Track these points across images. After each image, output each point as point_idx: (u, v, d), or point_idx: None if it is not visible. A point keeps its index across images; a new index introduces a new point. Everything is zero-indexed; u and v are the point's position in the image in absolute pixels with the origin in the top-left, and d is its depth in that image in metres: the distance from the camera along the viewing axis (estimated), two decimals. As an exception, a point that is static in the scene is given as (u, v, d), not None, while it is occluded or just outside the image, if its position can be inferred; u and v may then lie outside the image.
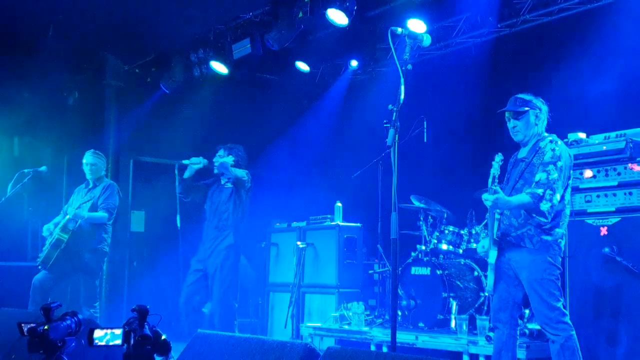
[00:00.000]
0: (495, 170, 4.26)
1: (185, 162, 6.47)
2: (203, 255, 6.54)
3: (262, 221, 9.17)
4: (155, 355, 2.47)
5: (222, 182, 6.65)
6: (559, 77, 6.91)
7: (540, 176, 4.28)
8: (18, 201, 7.67)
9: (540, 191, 4.22)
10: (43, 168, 6.97)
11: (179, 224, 7.31)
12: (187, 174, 6.52)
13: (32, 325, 2.80)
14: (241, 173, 6.50)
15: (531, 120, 4.45)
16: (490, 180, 4.23)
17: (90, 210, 6.67)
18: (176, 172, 6.52)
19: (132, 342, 2.48)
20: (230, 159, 6.47)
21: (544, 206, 4.22)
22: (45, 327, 2.74)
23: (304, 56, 8.87)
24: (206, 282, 6.49)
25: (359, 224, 7.89)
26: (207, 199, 6.73)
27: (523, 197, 4.25)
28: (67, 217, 6.56)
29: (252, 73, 9.24)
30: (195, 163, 6.47)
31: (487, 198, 4.19)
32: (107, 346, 2.56)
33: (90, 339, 2.56)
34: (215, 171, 6.55)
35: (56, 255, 6.52)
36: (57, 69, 8.67)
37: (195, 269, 6.56)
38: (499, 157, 4.36)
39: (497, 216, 4.41)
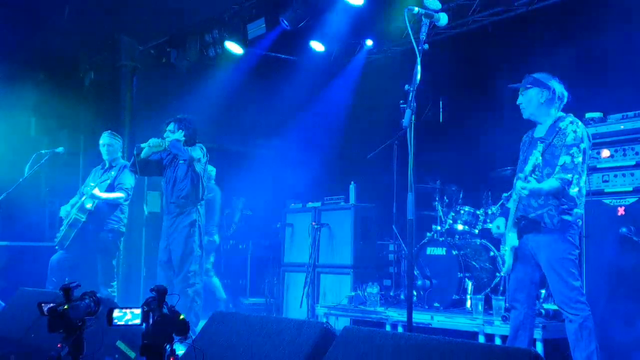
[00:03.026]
0: (537, 159, 4.22)
1: (143, 145, 6.24)
2: (166, 233, 6.39)
3: (277, 202, 9.21)
4: (174, 334, 2.49)
5: (178, 158, 6.40)
6: (577, 55, 6.82)
7: (564, 159, 4.26)
8: (35, 182, 7.75)
9: (569, 176, 4.21)
10: (60, 149, 7.02)
11: (145, 212, 7.34)
12: (143, 154, 6.27)
13: (52, 305, 2.84)
14: (196, 153, 6.25)
15: (533, 97, 4.45)
16: (529, 168, 4.19)
17: (107, 190, 6.73)
18: (134, 152, 6.30)
19: (151, 321, 2.51)
20: (180, 135, 6.24)
21: (573, 191, 4.22)
22: (65, 307, 2.78)
23: (319, 36, 8.82)
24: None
25: (373, 204, 7.88)
26: (163, 175, 6.52)
27: (553, 183, 4.23)
28: (84, 197, 6.62)
29: (266, 53, 9.21)
30: (155, 145, 6.20)
31: (525, 187, 4.16)
32: (126, 326, 2.59)
33: (110, 318, 2.59)
34: (168, 150, 6.30)
35: (73, 235, 6.60)
36: (73, 50, 8.72)
37: (164, 246, 6.37)
38: (541, 146, 4.33)
39: (514, 196, 4.39)
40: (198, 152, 6.31)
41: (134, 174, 6.75)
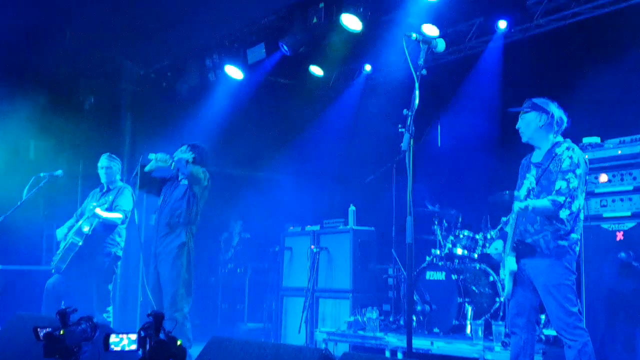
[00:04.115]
0: (530, 183, 4.26)
1: (151, 156, 6.15)
2: (154, 252, 6.32)
3: (275, 225, 9.19)
4: (170, 360, 2.47)
5: (179, 178, 6.39)
6: (573, 81, 6.88)
7: (560, 184, 4.27)
8: (34, 205, 7.72)
9: (561, 199, 4.22)
10: (59, 172, 7.01)
11: (153, 222, 7.25)
12: (148, 168, 6.21)
13: (48, 330, 2.82)
14: (197, 170, 6.24)
15: (532, 122, 4.48)
16: (524, 192, 4.21)
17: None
18: (138, 166, 6.26)
19: (147, 347, 2.49)
20: (189, 155, 6.27)
21: (563, 214, 4.24)
22: (61, 332, 2.76)
23: (318, 60, 8.89)
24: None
25: (372, 228, 7.87)
26: (161, 194, 6.49)
27: (545, 202, 4.25)
28: (82, 219, 6.61)
29: (266, 77, 9.27)
30: (161, 160, 6.12)
31: (520, 205, 4.17)
32: (122, 351, 2.57)
33: (106, 344, 2.57)
34: (172, 167, 6.19)
35: (70, 259, 6.57)
36: (74, 73, 8.75)
37: (153, 267, 6.33)
38: (534, 171, 4.37)
39: (512, 221, 4.39)
40: (199, 170, 6.30)
41: (132, 198, 6.74)
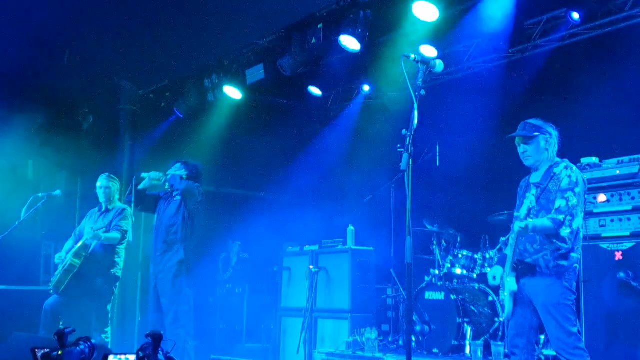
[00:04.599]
0: (531, 202, 4.26)
1: (144, 175, 6.27)
2: (154, 271, 6.34)
3: (274, 245, 9.18)
4: (169, 381, 2.46)
5: (173, 194, 6.43)
6: (571, 102, 6.91)
7: (559, 203, 4.27)
8: (32, 225, 7.71)
9: (561, 217, 4.22)
10: (57, 192, 7.01)
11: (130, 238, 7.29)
12: (141, 186, 6.30)
13: (46, 350, 2.80)
14: (190, 185, 6.29)
15: (541, 145, 4.47)
16: (524, 212, 4.22)
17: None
18: (133, 183, 6.32)
19: (146, 368, 2.47)
20: (182, 172, 6.31)
21: (564, 232, 4.23)
22: (59, 353, 2.75)
23: (317, 81, 8.93)
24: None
25: (371, 248, 7.85)
26: (156, 212, 6.53)
27: (545, 222, 4.25)
28: (82, 241, 6.59)
29: (265, 98, 9.30)
30: (155, 179, 6.24)
31: (521, 225, 4.16)
32: (121, 372, 2.56)
33: (105, 364, 2.56)
34: (166, 186, 6.31)
35: (68, 280, 6.54)
36: (72, 93, 8.78)
37: (152, 286, 6.35)
38: (534, 190, 4.37)
39: (511, 242, 4.39)
40: (193, 186, 6.31)
41: (131, 218, 6.74)
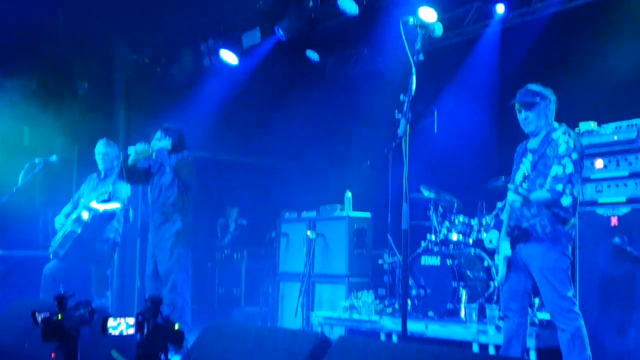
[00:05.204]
0: (526, 169, 4.25)
1: (130, 149, 6.20)
2: (152, 241, 6.35)
3: (272, 211, 9.21)
4: (168, 344, 2.49)
5: (164, 165, 6.35)
6: (571, 66, 6.88)
7: (556, 169, 4.26)
8: (29, 191, 7.71)
9: (560, 187, 4.20)
10: (53, 157, 6.99)
11: (131, 218, 7.32)
12: (131, 161, 6.22)
13: (46, 314, 2.82)
14: (180, 160, 6.23)
15: (542, 111, 4.44)
16: (519, 178, 4.21)
17: (103, 202, 6.71)
18: (121, 161, 6.28)
19: (145, 331, 2.50)
20: (167, 142, 6.21)
21: (566, 201, 4.21)
22: (59, 317, 2.77)
23: (314, 45, 8.85)
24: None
25: (368, 214, 7.89)
26: (150, 182, 6.49)
27: (544, 194, 4.24)
28: (82, 207, 6.61)
29: (261, 62, 9.23)
30: (141, 151, 6.19)
31: (516, 199, 4.16)
32: (120, 335, 2.59)
33: (104, 328, 2.59)
34: (154, 155, 6.25)
35: (68, 246, 6.58)
36: (67, 59, 8.70)
37: (150, 255, 6.36)
38: (530, 156, 4.36)
39: (507, 207, 4.40)
40: (184, 160, 6.29)
41: (129, 185, 6.75)
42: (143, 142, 6.23)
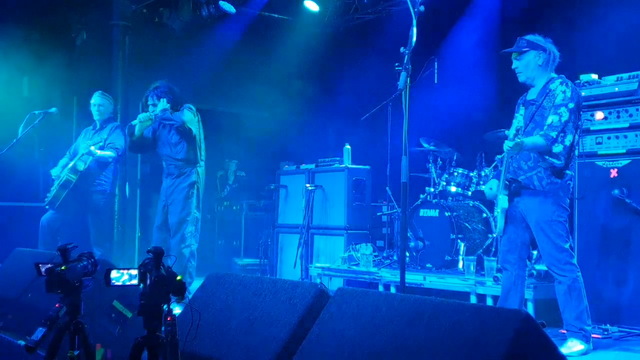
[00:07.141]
0: (519, 123, 4.26)
1: (134, 122, 6.29)
2: (165, 193, 6.44)
3: (271, 163, 9.21)
4: (171, 295, 2.52)
5: (170, 122, 6.33)
6: (572, 17, 6.78)
7: (552, 119, 4.27)
8: (29, 142, 7.71)
9: (553, 134, 4.22)
10: (53, 109, 6.97)
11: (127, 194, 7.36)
12: (137, 132, 6.30)
13: (50, 266, 2.85)
14: (187, 115, 6.24)
15: (532, 61, 4.42)
16: (512, 132, 4.21)
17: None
18: (127, 133, 6.41)
19: (148, 282, 2.53)
20: (164, 103, 6.21)
21: (557, 148, 4.23)
22: (63, 268, 2.79)
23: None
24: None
25: (367, 167, 7.90)
26: (157, 143, 6.52)
27: (536, 139, 4.25)
28: (76, 158, 6.62)
29: (260, 13, 9.10)
30: (145, 120, 6.24)
31: (509, 144, 4.16)
32: (123, 286, 2.62)
33: (107, 279, 2.61)
34: (157, 120, 6.30)
35: (64, 196, 6.61)
36: (65, 9, 8.58)
37: (162, 206, 6.44)
38: (522, 110, 4.37)
39: (505, 160, 4.41)
40: (188, 114, 6.28)
41: (124, 135, 6.74)
42: (143, 113, 6.28)
